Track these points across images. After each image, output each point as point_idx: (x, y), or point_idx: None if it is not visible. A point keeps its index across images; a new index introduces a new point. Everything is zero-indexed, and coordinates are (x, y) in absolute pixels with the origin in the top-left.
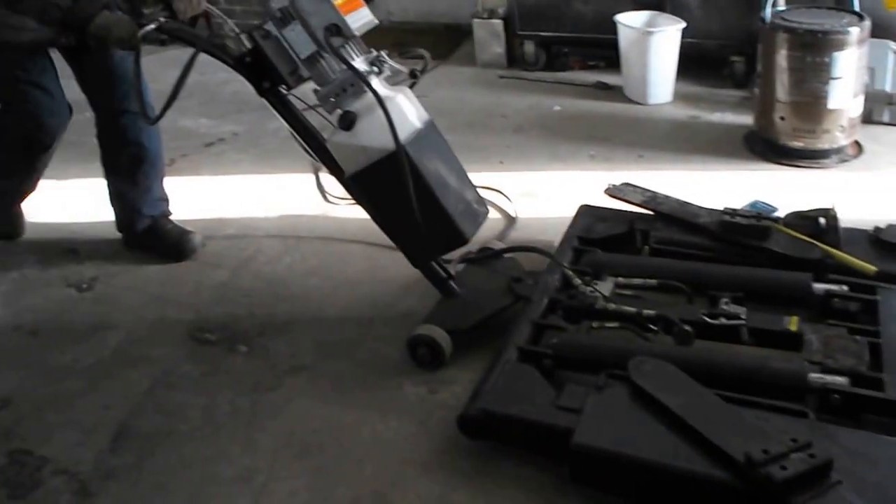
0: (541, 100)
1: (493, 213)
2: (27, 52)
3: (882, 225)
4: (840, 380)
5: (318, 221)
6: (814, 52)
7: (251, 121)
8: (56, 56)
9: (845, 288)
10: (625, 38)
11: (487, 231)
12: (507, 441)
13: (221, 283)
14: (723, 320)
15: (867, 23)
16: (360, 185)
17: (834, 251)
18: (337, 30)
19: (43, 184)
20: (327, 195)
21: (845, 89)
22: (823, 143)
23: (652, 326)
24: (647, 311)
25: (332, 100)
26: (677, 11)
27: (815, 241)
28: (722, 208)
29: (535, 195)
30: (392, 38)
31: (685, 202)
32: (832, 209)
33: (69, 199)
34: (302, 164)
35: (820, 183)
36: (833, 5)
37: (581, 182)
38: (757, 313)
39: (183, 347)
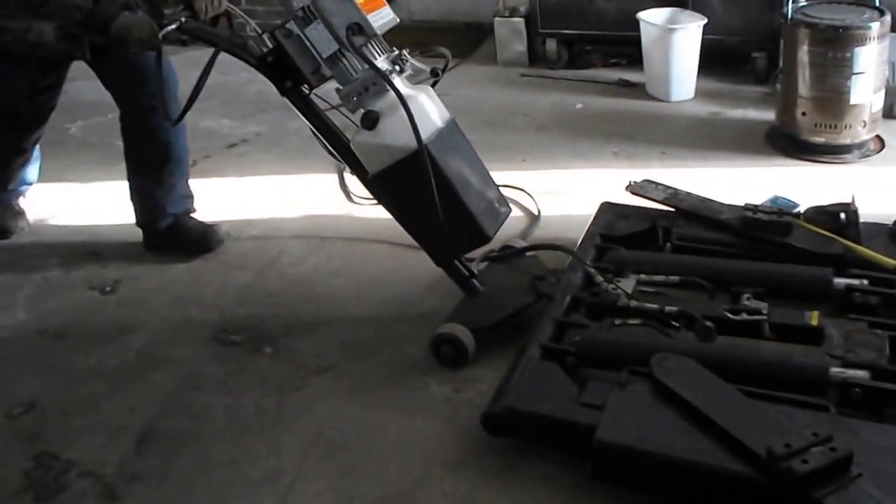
0: (563, 98)
1: (516, 212)
2: (43, 64)
3: None
4: (861, 374)
5: (342, 221)
6: (835, 47)
7: (274, 121)
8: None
9: (866, 282)
10: (647, 36)
11: (511, 229)
12: (531, 439)
13: (246, 285)
14: (744, 316)
15: (888, 17)
16: (384, 185)
17: (854, 246)
18: (359, 28)
19: (63, 187)
20: (351, 195)
21: (867, 84)
22: (845, 139)
23: (674, 323)
24: (669, 308)
25: (355, 99)
26: (699, 8)
27: (835, 236)
28: (743, 204)
29: (558, 193)
30: (413, 37)
31: (706, 199)
32: (852, 204)
33: (91, 202)
34: (325, 164)
35: (841, 178)
36: (854, 0)
37: (604, 180)
38: (778, 308)
39: (208, 349)
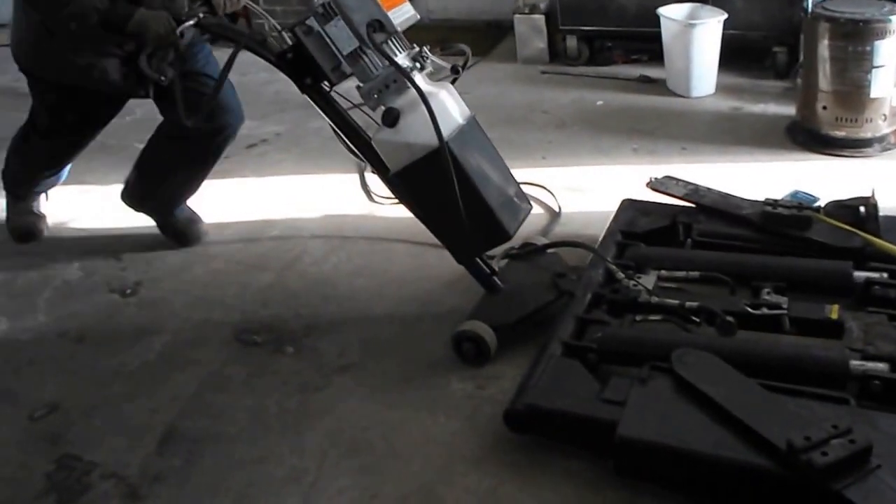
0: (583, 94)
1: (537, 209)
2: (103, 101)
3: None
4: (881, 366)
5: (363, 221)
6: (855, 41)
7: (293, 120)
8: None
9: (885, 275)
10: (667, 31)
11: (532, 226)
12: (553, 435)
13: (267, 285)
14: (765, 310)
15: None
16: (405, 182)
17: (874, 239)
18: (379, 25)
19: (82, 189)
20: (372, 194)
21: (887, 77)
22: (865, 132)
23: (695, 318)
24: (689, 304)
25: (375, 96)
26: (719, 3)
27: (855, 230)
28: (763, 199)
29: (579, 190)
30: (433, 35)
31: (727, 194)
32: (872, 197)
33: (111, 204)
34: (346, 163)
35: (862, 172)
36: None
37: (624, 176)
38: (798, 302)
39: (229, 349)
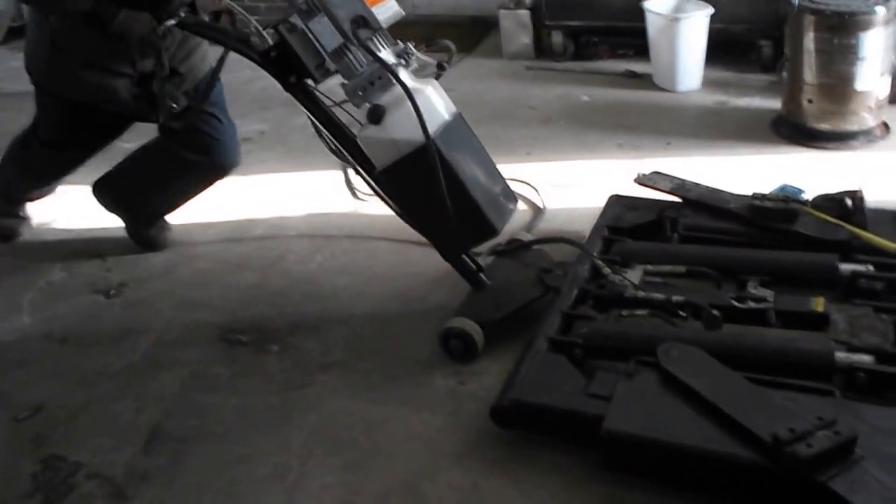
0: (569, 90)
1: (520, 205)
2: (109, 120)
3: None
4: (865, 358)
5: (347, 219)
6: (841, 33)
7: (277, 118)
8: None
9: (871, 268)
10: (653, 26)
11: (515, 222)
12: (540, 430)
13: (252, 285)
14: (750, 304)
15: (893, 2)
16: (391, 179)
17: (860, 232)
18: (364, 22)
19: (66, 190)
20: (356, 192)
21: (872, 70)
22: (851, 125)
23: (681, 312)
24: (675, 298)
25: (360, 93)
26: None
27: (841, 223)
28: (750, 193)
29: (563, 185)
30: (417, 31)
31: (714, 189)
32: (859, 190)
33: (94, 205)
34: (330, 160)
35: (848, 164)
36: None
37: (609, 171)
38: (784, 296)
39: (214, 349)
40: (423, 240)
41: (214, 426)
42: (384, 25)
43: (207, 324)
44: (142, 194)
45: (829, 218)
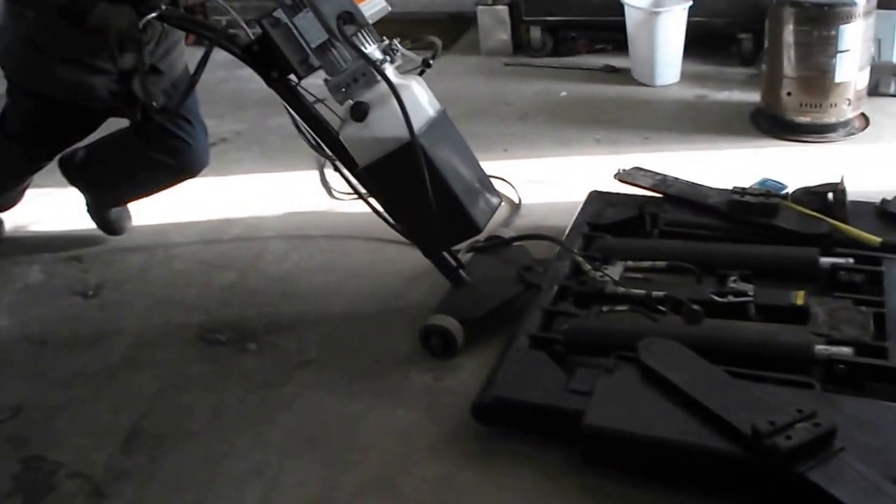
0: (547, 86)
1: None
2: (84, 116)
3: (889, 196)
4: (845, 350)
5: (323, 218)
6: (820, 25)
7: (252, 118)
8: None
9: (851, 260)
10: (631, 20)
11: (493, 220)
12: (521, 426)
13: (229, 284)
14: (731, 298)
15: None
16: (374, 177)
17: (841, 225)
18: (350, 17)
19: (42, 192)
20: (332, 191)
21: (852, 62)
22: (830, 117)
23: (661, 307)
24: (656, 293)
25: (343, 90)
26: None
27: (822, 216)
28: (731, 188)
29: (540, 181)
30: (394, 28)
31: (695, 184)
32: (840, 184)
33: (71, 207)
34: (306, 160)
35: (827, 157)
36: None
37: (586, 167)
38: (764, 289)
39: (192, 349)
40: (400, 238)
41: (193, 425)
42: (371, 21)
43: (185, 323)
44: (106, 181)
45: (809, 212)
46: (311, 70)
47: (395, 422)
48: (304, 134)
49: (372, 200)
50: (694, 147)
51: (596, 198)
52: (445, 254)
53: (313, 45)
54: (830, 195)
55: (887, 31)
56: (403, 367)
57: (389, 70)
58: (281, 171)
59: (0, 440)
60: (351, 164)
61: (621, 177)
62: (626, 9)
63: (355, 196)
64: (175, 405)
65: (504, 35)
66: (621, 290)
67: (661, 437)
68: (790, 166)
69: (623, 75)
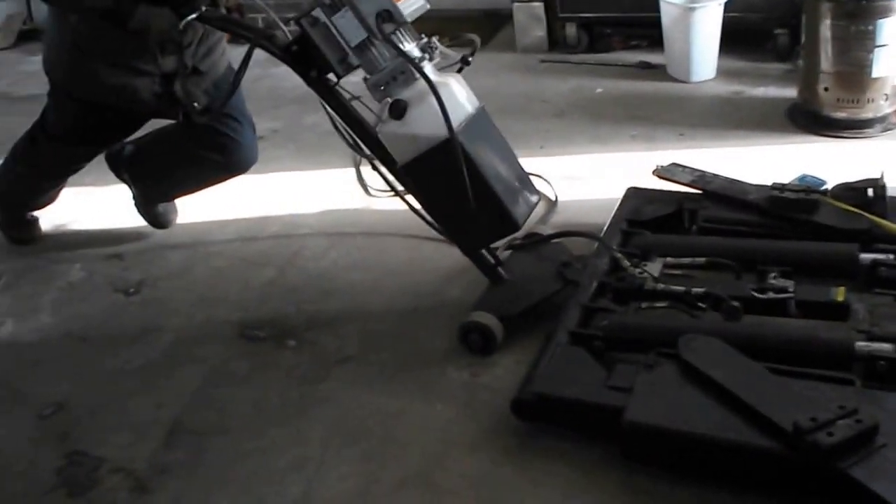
0: (583, 83)
1: None
2: (126, 118)
3: None
4: (886, 346)
5: (360, 215)
6: (858, 20)
7: (288, 116)
8: None
9: (892, 256)
10: (667, 16)
11: (530, 217)
12: (560, 422)
13: (269, 281)
14: (771, 294)
15: None
16: (412, 175)
17: (881, 221)
18: (389, 16)
19: (82, 190)
20: (369, 188)
21: (890, 57)
22: (867, 113)
23: (701, 304)
24: (695, 290)
25: (382, 88)
26: None
27: (862, 212)
28: (770, 184)
29: (576, 178)
30: (430, 26)
31: (734, 180)
32: (880, 179)
33: (111, 205)
34: (342, 158)
35: (864, 153)
36: None
37: (622, 163)
38: (804, 286)
39: (232, 345)
40: (437, 235)
41: (234, 420)
42: (409, 19)
43: (225, 320)
44: (155, 176)
45: (849, 207)
46: (350, 69)
47: (433, 418)
48: (341, 132)
49: (409, 198)
50: (730, 143)
51: (633, 194)
52: (483, 251)
53: (352, 44)
54: (870, 191)
55: None
56: (440, 363)
57: (428, 68)
58: (317, 169)
59: (43, 436)
60: (389, 162)
61: (660, 173)
62: (662, 4)
63: (392, 193)
64: (216, 401)
65: (539, 32)
66: (660, 286)
67: (702, 434)
68: (828, 162)
69: (658, 71)
